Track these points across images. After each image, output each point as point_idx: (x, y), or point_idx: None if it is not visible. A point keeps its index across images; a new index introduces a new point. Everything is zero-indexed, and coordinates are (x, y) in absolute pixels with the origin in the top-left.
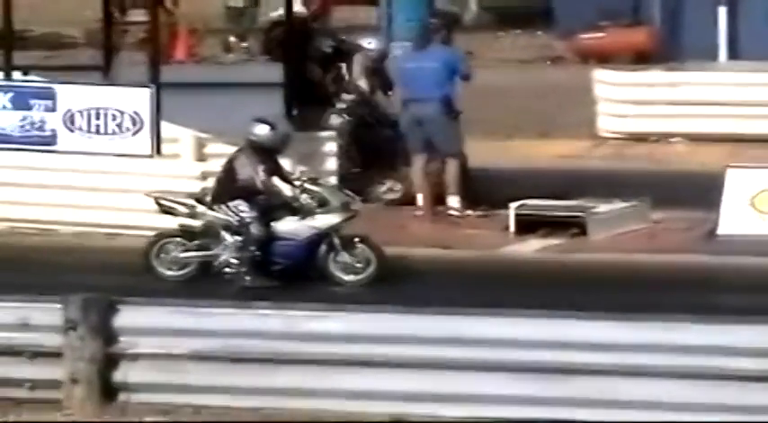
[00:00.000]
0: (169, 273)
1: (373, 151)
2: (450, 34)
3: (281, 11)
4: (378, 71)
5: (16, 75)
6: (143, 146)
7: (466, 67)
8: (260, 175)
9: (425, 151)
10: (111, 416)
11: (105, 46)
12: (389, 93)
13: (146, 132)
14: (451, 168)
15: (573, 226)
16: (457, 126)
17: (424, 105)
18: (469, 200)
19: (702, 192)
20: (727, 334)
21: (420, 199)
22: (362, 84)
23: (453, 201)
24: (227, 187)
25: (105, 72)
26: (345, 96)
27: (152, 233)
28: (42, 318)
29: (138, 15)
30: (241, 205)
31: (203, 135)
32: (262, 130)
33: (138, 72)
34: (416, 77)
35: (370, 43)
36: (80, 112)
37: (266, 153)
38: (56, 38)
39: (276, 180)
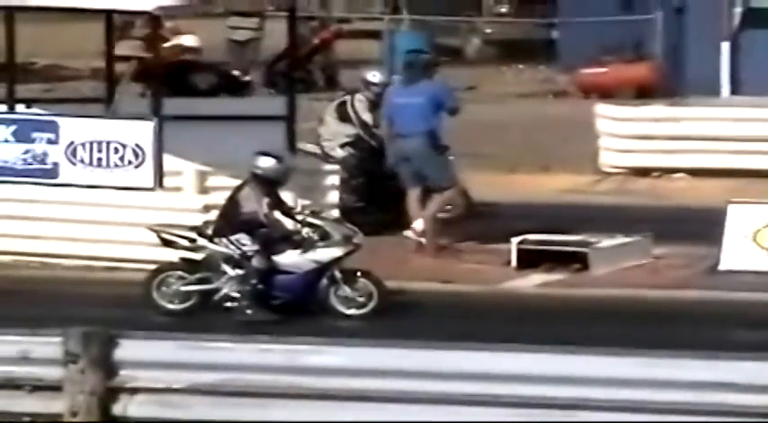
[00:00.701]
0: (170, 306)
1: (379, 184)
2: (432, 69)
3: None
4: (382, 104)
5: (19, 107)
6: (145, 178)
7: (453, 101)
8: (263, 208)
9: (418, 185)
10: None
11: (107, 78)
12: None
13: (148, 165)
14: (436, 199)
15: (575, 261)
16: (445, 160)
17: (409, 140)
18: (472, 233)
19: (704, 227)
20: (730, 370)
21: (412, 231)
22: (366, 117)
23: (418, 223)
24: (231, 220)
25: (107, 104)
26: (349, 129)
27: (153, 266)
28: (42, 351)
29: (137, 49)
30: (243, 238)
31: (205, 168)
32: (266, 163)
33: (140, 104)
34: (402, 112)
35: (374, 76)
36: (82, 144)
37: (270, 186)
38: (58, 70)
39: (278, 213)
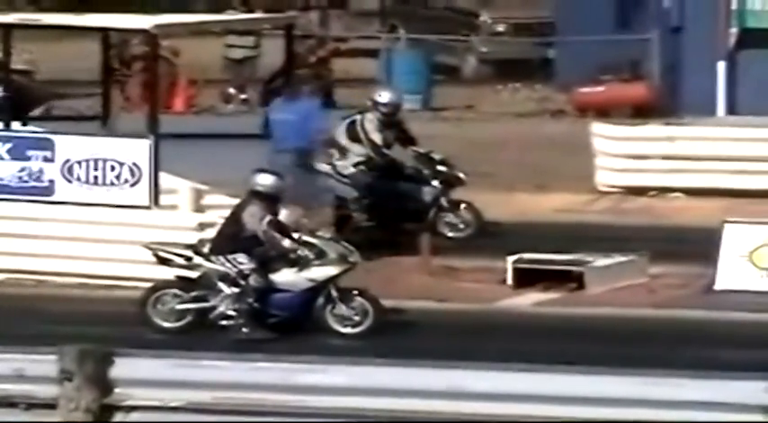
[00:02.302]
0: (166, 324)
1: (390, 204)
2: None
3: None
4: (392, 124)
5: (15, 125)
6: (141, 197)
7: (319, 120)
8: (263, 226)
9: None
10: None
11: (104, 96)
12: (410, 146)
13: (144, 183)
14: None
15: (571, 280)
16: (313, 178)
17: (282, 156)
18: (468, 251)
19: (700, 246)
20: (725, 389)
21: None
22: (376, 137)
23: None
24: (230, 238)
25: (104, 122)
26: (360, 149)
27: (149, 284)
28: (38, 369)
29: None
30: (239, 257)
31: (201, 186)
32: (266, 180)
33: (136, 123)
34: (278, 129)
35: (380, 96)
36: (78, 162)
37: (272, 203)
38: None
39: (276, 232)
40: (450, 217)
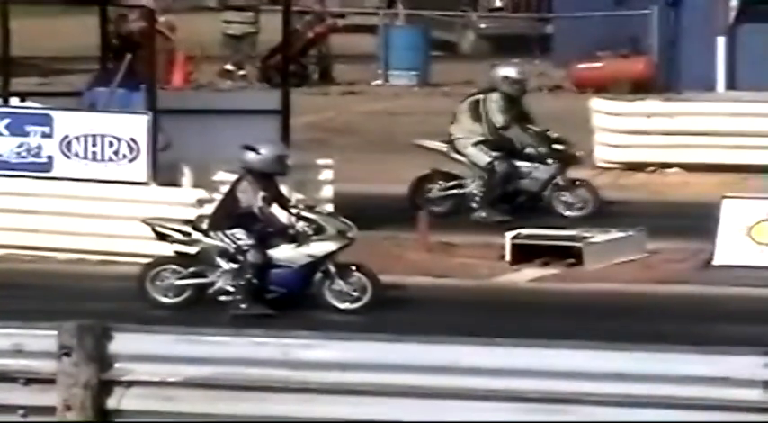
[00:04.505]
0: (164, 299)
1: (506, 183)
2: None
3: None
4: (516, 103)
5: (13, 100)
6: (139, 172)
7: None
8: (258, 202)
9: None
10: None
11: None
12: (528, 126)
13: (142, 159)
14: None
15: (569, 255)
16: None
17: None
18: (466, 227)
19: (699, 222)
20: (724, 364)
21: None
22: (497, 118)
23: None
24: (228, 214)
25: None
26: (480, 128)
27: (148, 260)
28: (36, 344)
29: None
30: (238, 232)
31: (199, 162)
32: (258, 156)
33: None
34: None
35: (508, 72)
36: (77, 138)
37: (267, 179)
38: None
39: (274, 208)
40: (566, 196)
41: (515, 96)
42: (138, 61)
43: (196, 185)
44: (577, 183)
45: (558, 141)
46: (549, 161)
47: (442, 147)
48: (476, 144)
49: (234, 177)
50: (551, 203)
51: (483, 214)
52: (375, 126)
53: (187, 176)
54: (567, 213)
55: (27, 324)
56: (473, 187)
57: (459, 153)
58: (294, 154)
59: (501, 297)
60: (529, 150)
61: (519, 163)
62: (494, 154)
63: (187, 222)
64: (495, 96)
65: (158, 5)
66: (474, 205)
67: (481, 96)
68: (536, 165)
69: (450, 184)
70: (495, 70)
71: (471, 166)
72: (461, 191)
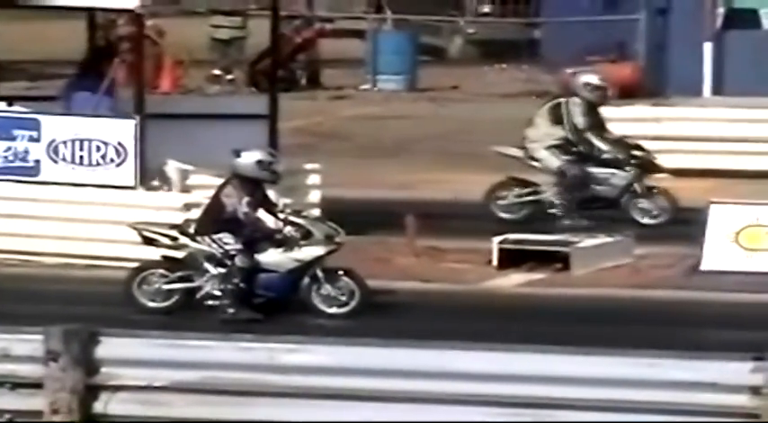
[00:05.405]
0: (151, 304)
1: (582, 189)
2: None
3: None
4: (595, 110)
5: (0, 105)
6: (127, 177)
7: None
8: (243, 207)
9: None
10: None
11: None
12: (604, 133)
13: (130, 163)
14: None
15: (556, 260)
16: None
17: None
18: (453, 232)
19: (686, 227)
20: (712, 370)
21: None
22: (579, 120)
23: None
24: (214, 219)
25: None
26: (560, 132)
27: (135, 264)
28: (23, 348)
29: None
30: (225, 237)
31: (187, 166)
32: (243, 162)
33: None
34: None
35: (589, 79)
36: (64, 142)
37: (253, 184)
38: (41, 68)
39: (260, 213)
40: (643, 203)
41: (595, 103)
42: (125, 67)
43: (183, 190)
44: (655, 190)
45: (636, 148)
46: (627, 168)
47: (518, 152)
48: (548, 148)
49: (221, 181)
50: (628, 210)
51: (568, 221)
52: (363, 131)
53: (174, 181)
54: (644, 221)
55: (14, 328)
56: (550, 194)
57: (533, 158)
58: (282, 159)
59: (488, 302)
60: (606, 156)
61: (595, 169)
62: (565, 158)
63: (174, 227)
64: (576, 100)
65: (146, 10)
66: (554, 212)
67: (563, 100)
68: (613, 171)
69: (526, 190)
70: (576, 77)
71: (545, 171)
72: (537, 197)
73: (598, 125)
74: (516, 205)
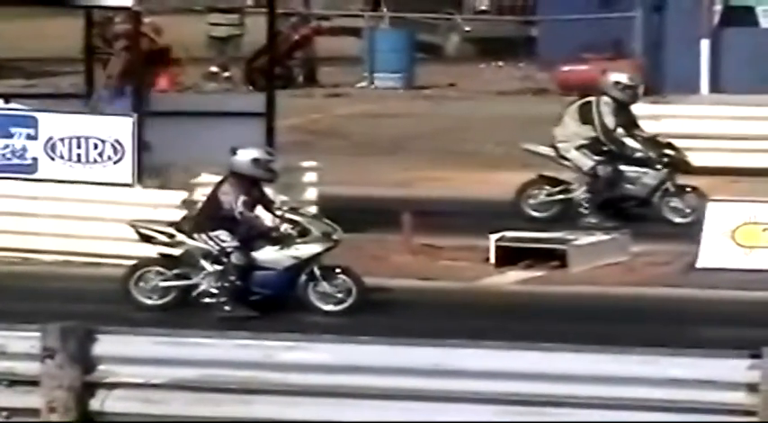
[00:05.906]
0: (148, 301)
1: (613, 188)
2: None
3: None
4: (625, 109)
5: None
6: (124, 174)
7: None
8: (238, 206)
9: None
10: None
11: (87, 74)
12: (635, 129)
13: (127, 161)
14: None
15: (553, 258)
16: None
17: None
18: (451, 230)
19: (683, 224)
20: (709, 367)
21: None
22: (609, 120)
23: None
24: (210, 216)
25: (87, 100)
26: (589, 132)
27: (132, 262)
28: (20, 345)
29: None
30: (222, 234)
31: (184, 164)
32: (240, 159)
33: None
34: None
35: (624, 77)
36: (61, 140)
37: (250, 182)
38: (38, 66)
39: (257, 211)
40: (675, 201)
41: (626, 102)
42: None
43: (181, 187)
44: (687, 189)
45: (668, 146)
46: (659, 166)
47: (550, 151)
48: (579, 148)
49: (218, 179)
50: (660, 209)
51: (593, 220)
52: (360, 128)
53: (172, 178)
54: (677, 220)
55: (11, 326)
56: (580, 192)
57: (563, 158)
58: (279, 156)
59: (485, 300)
60: (638, 155)
61: (626, 168)
62: (597, 158)
63: (171, 224)
64: (606, 99)
65: (144, 8)
66: (582, 211)
67: (592, 99)
68: (645, 170)
69: (557, 189)
70: (606, 75)
71: (576, 171)
72: (568, 196)
73: (629, 124)
74: (546, 204)
